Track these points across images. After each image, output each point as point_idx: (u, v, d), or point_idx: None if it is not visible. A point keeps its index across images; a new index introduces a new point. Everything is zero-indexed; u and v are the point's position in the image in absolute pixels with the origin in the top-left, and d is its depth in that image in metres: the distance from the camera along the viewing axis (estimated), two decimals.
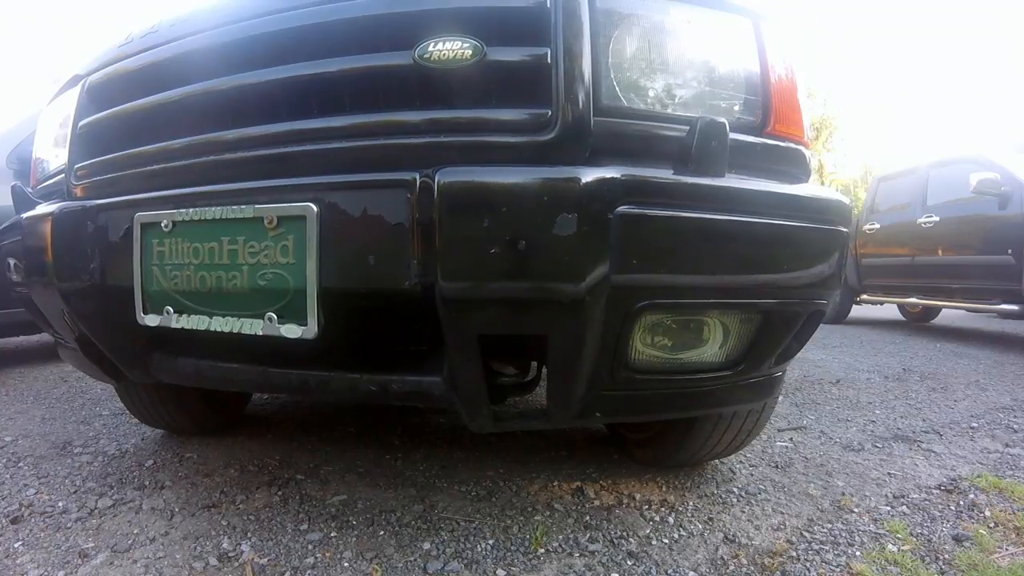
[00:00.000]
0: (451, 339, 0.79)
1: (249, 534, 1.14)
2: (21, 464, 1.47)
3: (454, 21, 0.78)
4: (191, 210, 0.86)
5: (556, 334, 0.79)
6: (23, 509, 1.22)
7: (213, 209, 0.84)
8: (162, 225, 0.89)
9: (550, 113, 0.76)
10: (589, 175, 0.71)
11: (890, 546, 1.14)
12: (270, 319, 0.81)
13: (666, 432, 1.36)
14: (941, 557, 1.10)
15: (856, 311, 5.99)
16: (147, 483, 1.38)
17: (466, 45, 0.75)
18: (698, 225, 0.78)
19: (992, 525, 1.23)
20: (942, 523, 1.24)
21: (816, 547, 1.14)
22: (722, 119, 0.79)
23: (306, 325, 0.78)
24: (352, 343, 0.90)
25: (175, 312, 0.89)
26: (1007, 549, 1.13)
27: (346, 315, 0.82)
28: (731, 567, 1.07)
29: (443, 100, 0.81)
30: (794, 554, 1.11)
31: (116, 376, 1.18)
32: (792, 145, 0.94)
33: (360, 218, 0.77)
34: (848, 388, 2.56)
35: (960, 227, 4.18)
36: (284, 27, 0.86)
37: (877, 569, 1.05)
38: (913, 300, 4.71)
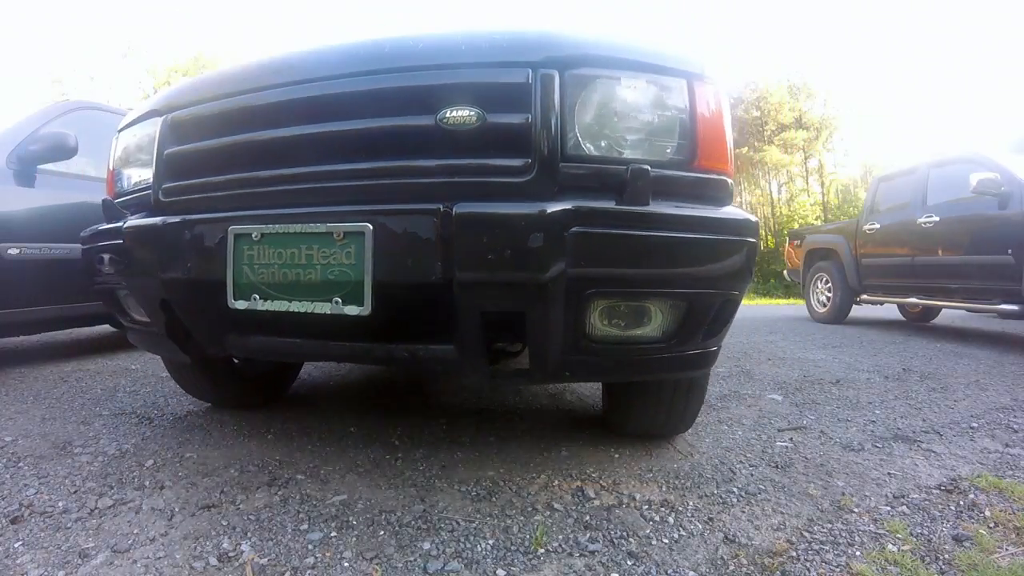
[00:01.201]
0: (462, 315, 1.08)
1: (249, 534, 1.14)
2: (21, 464, 1.47)
3: (464, 94, 1.08)
4: (276, 226, 1.15)
5: (531, 310, 1.07)
6: (23, 509, 1.22)
7: (294, 226, 1.14)
8: (252, 236, 1.17)
9: (530, 161, 1.06)
10: (552, 207, 1.00)
11: (890, 546, 1.14)
12: (336, 302, 1.10)
13: (620, 403, 1.70)
14: (941, 557, 1.10)
15: (856, 311, 5.99)
16: (147, 483, 1.38)
17: (472, 112, 1.06)
18: (626, 238, 1.06)
19: (992, 525, 1.23)
20: (942, 523, 1.24)
21: (816, 547, 1.14)
22: (646, 165, 1.05)
23: (363, 306, 1.08)
24: (392, 321, 1.16)
25: (261, 298, 1.17)
26: (1007, 549, 1.13)
27: (390, 300, 1.10)
28: (731, 567, 1.07)
29: (456, 150, 1.09)
30: (794, 554, 1.11)
31: (191, 353, 1.45)
32: (716, 176, 1.20)
33: (402, 234, 1.07)
34: (848, 388, 2.56)
35: (960, 227, 4.18)
36: (343, 91, 1.16)
37: (877, 569, 1.05)
38: (913, 300, 4.71)
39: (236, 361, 1.89)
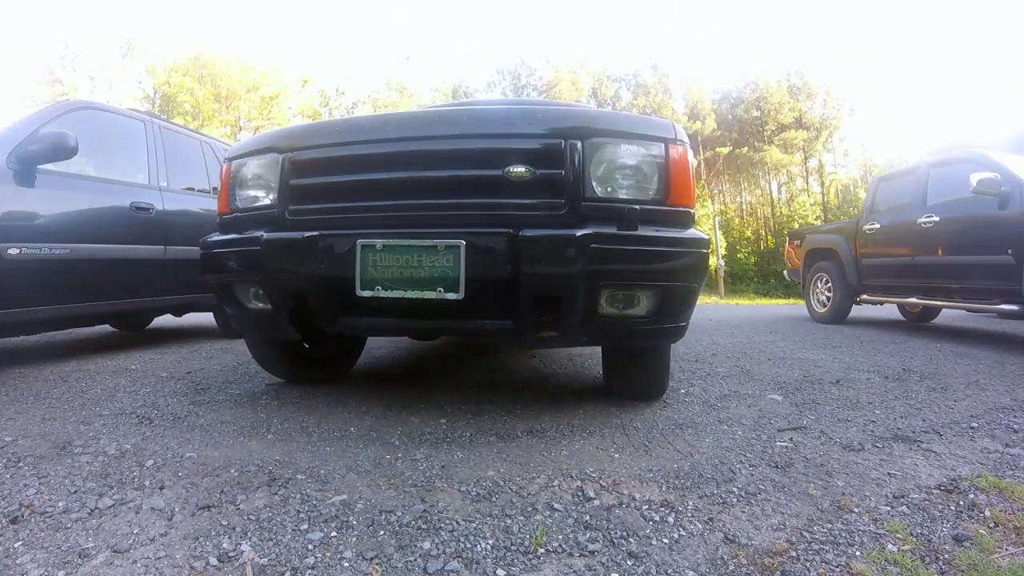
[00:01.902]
0: (523, 298, 1.59)
1: (249, 534, 1.14)
2: (21, 464, 1.47)
3: (521, 156, 1.61)
4: (394, 240, 1.61)
5: (565, 295, 1.60)
6: (23, 509, 1.22)
7: (408, 241, 1.60)
8: (376, 246, 1.61)
9: (563, 201, 1.60)
10: (578, 232, 1.53)
11: (890, 546, 1.14)
12: (439, 291, 1.57)
13: (615, 372, 2.23)
14: (941, 557, 1.10)
15: (856, 311, 5.99)
16: (147, 483, 1.38)
17: (526, 169, 1.58)
18: (622, 250, 1.59)
19: (992, 525, 1.23)
20: (942, 523, 1.24)
21: (816, 547, 1.14)
22: (635, 204, 1.61)
23: (458, 293, 1.56)
24: (474, 304, 1.60)
25: (383, 289, 1.60)
26: (1007, 549, 1.13)
27: (475, 289, 1.57)
28: (731, 567, 1.07)
29: (518, 193, 1.61)
30: (794, 554, 1.11)
31: (303, 333, 1.90)
32: (682, 209, 1.72)
33: (485, 247, 1.58)
34: (848, 388, 2.56)
35: (960, 227, 4.18)
36: (440, 148, 1.68)
37: (877, 569, 1.05)
38: (913, 300, 4.71)
39: (306, 345, 2.36)
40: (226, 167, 1.99)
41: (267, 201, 1.84)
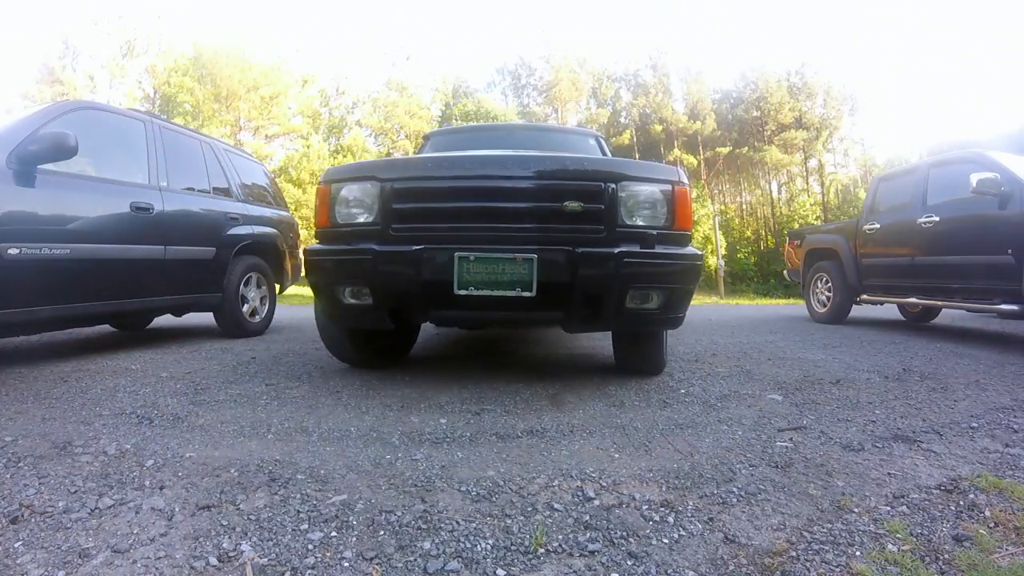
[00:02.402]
0: (576, 296, 2.12)
1: (249, 534, 1.14)
2: (21, 464, 1.47)
3: (575, 194, 2.12)
4: (483, 254, 2.06)
5: (605, 294, 2.12)
6: (23, 509, 1.22)
7: (494, 255, 2.07)
8: (469, 258, 2.06)
9: (604, 227, 2.13)
10: (615, 249, 2.07)
11: (890, 546, 1.14)
12: (517, 291, 2.06)
13: (623, 352, 2.83)
14: (941, 557, 1.10)
15: (856, 311, 5.99)
16: (147, 483, 1.38)
17: (579, 204, 2.09)
18: (643, 263, 2.10)
19: (992, 525, 1.23)
20: (942, 523, 1.24)
21: (816, 547, 1.14)
22: (652, 230, 2.16)
23: (532, 293, 2.05)
24: (541, 300, 2.10)
25: (475, 289, 2.07)
26: (1007, 549, 1.13)
27: (543, 289, 2.06)
28: (731, 567, 1.07)
29: (572, 221, 2.11)
30: (794, 554, 1.11)
31: (395, 323, 2.36)
32: (683, 232, 2.27)
33: (551, 259, 2.06)
34: (848, 388, 2.56)
35: (960, 227, 4.18)
36: (516, 185, 2.18)
37: (877, 569, 1.05)
38: (913, 300, 4.70)
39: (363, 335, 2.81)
40: (324, 188, 2.35)
41: (368, 219, 2.24)
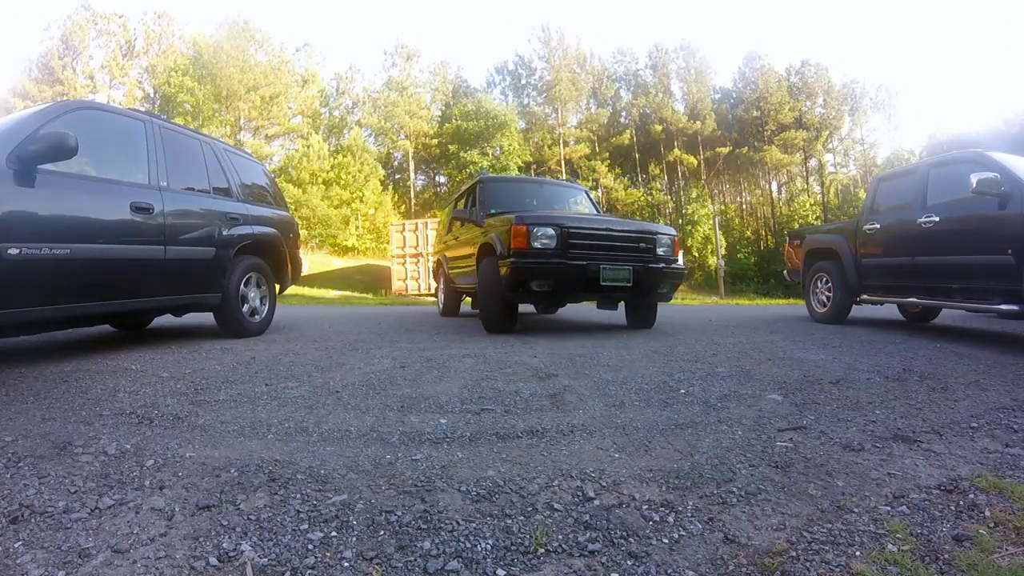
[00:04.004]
0: (641, 285, 4.49)
1: (249, 534, 1.14)
2: (21, 464, 1.47)
3: (641, 240, 4.61)
4: (611, 264, 4.27)
5: (652, 285, 4.61)
6: (23, 509, 1.22)
7: (615, 264, 4.31)
8: (607, 267, 4.24)
9: (651, 256, 4.63)
10: (656, 266, 4.59)
11: (890, 546, 1.14)
12: (624, 282, 4.32)
13: (633, 315, 5.25)
14: (941, 557, 1.10)
15: (856, 311, 5.99)
16: (147, 483, 1.38)
17: (643, 245, 4.57)
18: (663, 272, 4.64)
19: (992, 525, 1.23)
20: (942, 523, 1.24)
21: (816, 547, 1.14)
22: (668, 257, 4.70)
23: (630, 283, 4.36)
24: (631, 286, 4.37)
25: (609, 281, 4.27)
26: (1007, 549, 1.13)
27: (633, 281, 4.37)
28: (731, 567, 1.07)
29: (641, 252, 4.55)
30: (794, 554, 1.11)
31: (534, 303, 4.79)
32: (678, 258, 4.96)
33: (637, 268, 4.44)
34: (848, 388, 2.56)
35: (960, 227, 4.18)
36: (619, 234, 4.58)
37: (877, 569, 1.05)
38: (913, 300, 4.70)
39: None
40: (523, 228, 4.09)
41: (552, 246, 4.12)
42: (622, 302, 5.03)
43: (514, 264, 4.00)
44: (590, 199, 6.06)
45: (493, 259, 4.36)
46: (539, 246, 4.04)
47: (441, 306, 7.02)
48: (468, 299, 6.82)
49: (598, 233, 4.32)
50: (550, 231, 4.09)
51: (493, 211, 5.03)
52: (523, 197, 5.71)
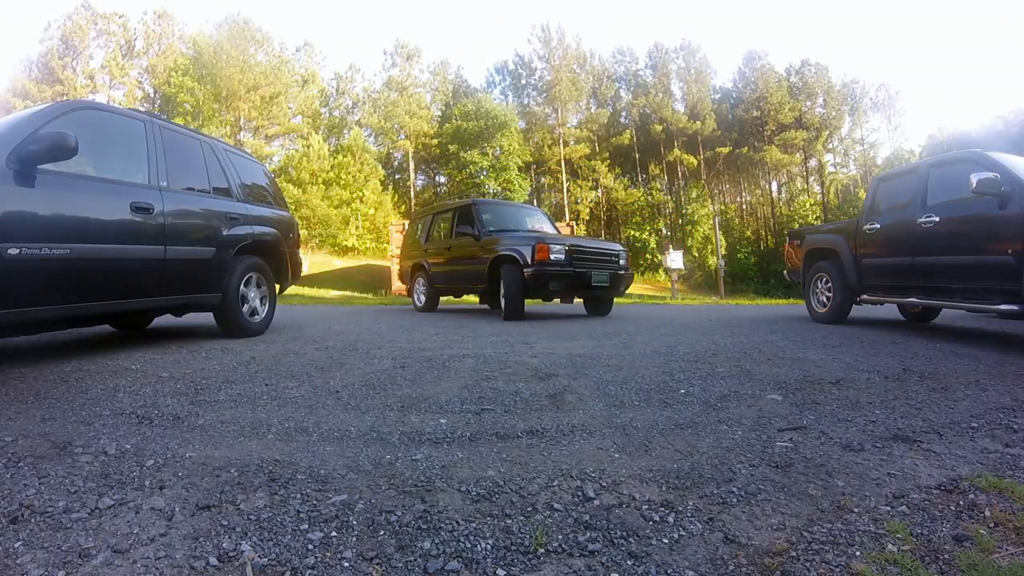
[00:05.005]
0: (617, 283, 6.89)
1: (249, 534, 1.14)
2: (21, 464, 1.47)
3: (615, 255, 6.98)
4: (598, 271, 6.41)
5: (619, 283, 6.94)
6: (23, 509, 1.22)
7: (601, 270, 6.39)
8: (597, 274, 6.31)
9: (620, 264, 6.93)
10: (624, 272, 6.96)
11: (890, 546, 1.14)
12: (607, 282, 6.41)
13: (592, 307, 7.39)
14: (941, 557, 1.10)
15: (856, 311, 5.99)
16: (147, 483, 1.38)
17: (617, 259, 6.92)
18: (628, 274, 7.19)
19: (992, 525, 1.23)
20: (942, 523, 1.24)
21: (816, 547, 1.14)
22: (627, 266, 7.17)
23: (607, 284, 6.47)
24: (609, 284, 6.59)
25: (597, 282, 6.27)
26: (1007, 549, 1.13)
27: (609, 282, 6.46)
28: (731, 567, 1.07)
29: (616, 264, 6.89)
30: (794, 554, 1.11)
31: (547, 298, 6.67)
32: (628, 265, 7.32)
33: (613, 273, 6.60)
34: (848, 388, 2.56)
35: (960, 227, 4.17)
36: (596, 252, 6.66)
37: (877, 569, 1.05)
38: (913, 300, 4.70)
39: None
40: (545, 246, 5.79)
41: (561, 259, 5.86)
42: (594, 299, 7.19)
43: (538, 271, 5.78)
44: (547, 217, 8.18)
45: (516, 267, 5.96)
46: (554, 258, 5.83)
47: (419, 304, 8.17)
48: (449, 297, 8.60)
49: (590, 250, 6.41)
50: (562, 248, 5.92)
51: (491, 229, 6.71)
52: (504, 216, 7.50)
